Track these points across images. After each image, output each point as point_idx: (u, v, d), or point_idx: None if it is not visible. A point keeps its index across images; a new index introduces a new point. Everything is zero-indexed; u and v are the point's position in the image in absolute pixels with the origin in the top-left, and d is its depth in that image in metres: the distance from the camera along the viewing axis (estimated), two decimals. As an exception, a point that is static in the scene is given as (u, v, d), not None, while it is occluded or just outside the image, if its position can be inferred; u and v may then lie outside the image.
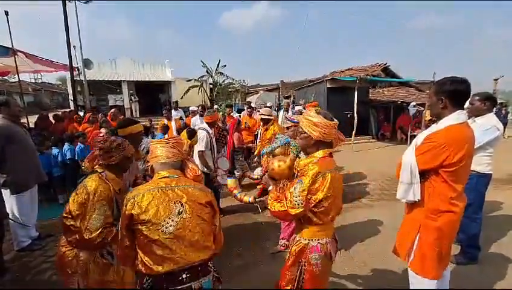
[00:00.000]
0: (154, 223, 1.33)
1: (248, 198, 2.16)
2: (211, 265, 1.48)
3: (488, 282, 2.70)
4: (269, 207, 1.72)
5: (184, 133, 3.40)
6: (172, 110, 8.22)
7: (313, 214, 1.63)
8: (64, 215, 1.75)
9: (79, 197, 1.70)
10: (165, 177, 1.47)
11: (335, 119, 1.70)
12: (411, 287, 1.95)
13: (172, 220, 1.35)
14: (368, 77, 11.10)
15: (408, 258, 1.90)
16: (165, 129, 6.04)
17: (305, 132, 1.69)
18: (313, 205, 1.59)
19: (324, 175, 1.56)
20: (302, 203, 1.55)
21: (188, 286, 1.35)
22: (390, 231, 3.53)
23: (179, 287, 1.33)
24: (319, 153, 1.66)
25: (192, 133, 3.39)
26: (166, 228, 1.34)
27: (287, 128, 3.18)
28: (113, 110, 7.40)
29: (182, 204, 1.39)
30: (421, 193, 1.79)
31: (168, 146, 1.55)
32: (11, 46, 5.87)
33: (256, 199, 2.16)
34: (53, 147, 4.94)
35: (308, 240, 1.68)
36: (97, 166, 1.88)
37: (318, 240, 1.67)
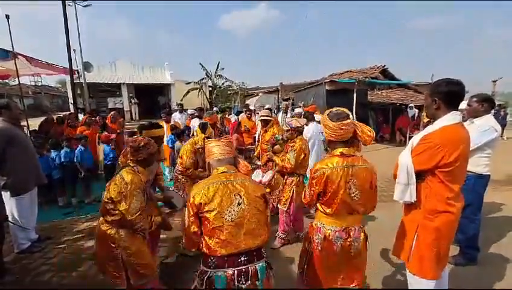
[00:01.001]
0: (219, 212, 1.52)
1: None
2: (263, 251, 1.66)
3: (487, 283, 2.70)
4: None
5: (198, 129, 3.51)
6: (177, 113, 8.19)
7: (318, 203, 1.91)
8: (105, 200, 2.06)
9: (118, 187, 2.00)
10: (224, 172, 1.66)
11: (347, 119, 1.79)
12: (409, 288, 1.96)
13: (233, 210, 1.54)
14: (367, 79, 11.17)
15: (407, 258, 1.91)
16: (175, 129, 6.10)
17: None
18: (315, 197, 1.86)
19: (321, 172, 1.77)
20: (309, 194, 1.90)
21: (245, 267, 1.53)
22: (389, 232, 3.52)
23: (238, 268, 1.52)
24: (335, 151, 1.83)
25: (204, 127, 3.48)
26: (228, 216, 1.53)
27: (287, 131, 3.38)
28: (112, 112, 7.41)
29: (240, 196, 1.58)
30: (418, 194, 1.80)
31: (223, 144, 1.77)
32: (11, 50, 5.89)
33: None
34: (51, 150, 4.95)
35: (317, 222, 1.94)
36: (129, 161, 2.23)
37: (323, 224, 1.88)
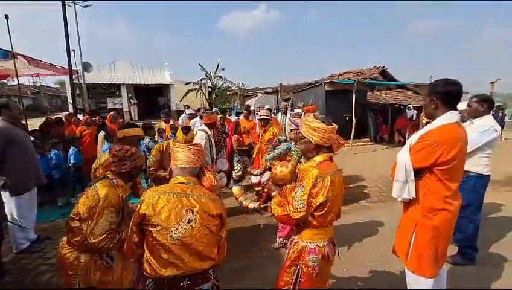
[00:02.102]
0: (163, 228, 1.37)
1: (253, 205, 2.18)
2: (211, 272, 1.50)
3: (486, 282, 2.71)
4: (273, 212, 1.77)
5: (180, 131, 3.42)
6: (183, 115, 8.19)
7: (313, 217, 1.67)
8: (72, 216, 1.78)
9: (89, 201, 1.74)
10: (181, 183, 1.51)
11: (334, 124, 1.73)
12: (408, 287, 1.96)
13: (181, 227, 1.39)
14: (366, 80, 11.20)
15: (405, 257, 1.91)
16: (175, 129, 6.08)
17: (305, 137, 1.74)
18: (313, 208, 1.63)
19: (324, 178, 1.60)
20: (304, 207, 1.61)
21: None
22: (389, 232, 3.54)
23: None
24: (319, 157, 1.71)
25: (187, 130, 3.41)
26: (174, 233, 1.37)
27: (291, 130, 3.29)
28: (112, 113, 7.40)
29: (193, 213, 1.42)
30: (416, 192, 1.82)
31: (190, 152, 1.60)
32: (10, 50, 5.88)
33: (261, 206, 2.19)
34: (51, 149, 4.95)
35: (306, 242, 1.71)
36: (109, 172, 1.94)
37: (316, 242, 1.70)
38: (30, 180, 3.36)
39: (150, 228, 1.38)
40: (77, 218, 1.75)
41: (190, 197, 1.46)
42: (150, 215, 1.38)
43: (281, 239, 3.36)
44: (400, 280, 2.63)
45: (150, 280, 1.39)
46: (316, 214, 1.65)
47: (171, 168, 1.64)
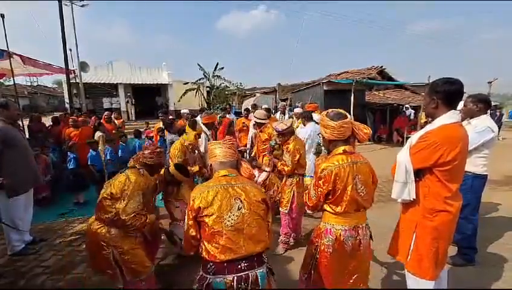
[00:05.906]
0: (218, 216, 1.48)
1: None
2: (264, 256, 1.61)
3: (486, 283, 2.70)
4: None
5: (188, 127, 3.45)
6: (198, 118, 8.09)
7: (326, 204, 1.86)
8: (105, 196, 2.09)
9: (122, 185, 2.08)
10: (224, 175, 1.63)
11: (349, 116, 1.84)
12: (408, 288, 1.94)
13: (233, 214, 1.50)
14: (364, 79, 11.20)
15: (405, 258, 1.89)
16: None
17: (322, 134, 1.91)
18: (322, 196, 1.81)
19: (329, 170, 1.74)
20: (315, 196, 1.84)
21: (245, 274, 1.48)
22: (388, 232, 3.51)
23: (238, 275, 1.47)
24: (338, 150, 1.83)
25: (194, 123, 3.45)
26: (228, 221, 1.49)
27: (277, 136, 3.35)
28: (106, 112, 7.38)
29: (241, 200, 1.54)
30: (416, 193, 1.80)
31: (226, 147, 1.73)
32: (6, 49, 5.84)
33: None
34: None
35: (325, 223, 1.88)
36: (137, 163, 2.31)
37: (333, 225, 1.84)
38: (28, 181, 3.33)
39: (206, 219, 1.49)
40: (109, 197, 2.07)
41: (235, 187, 1.57)
42: (203, 207, 1.49)
43: (283, 238, 3.37)
44: (400, 281, 2.62)
45: (211, 264, 1.49)
46: (328, 201, 1.83)
47: (211, 165, 1.75)
